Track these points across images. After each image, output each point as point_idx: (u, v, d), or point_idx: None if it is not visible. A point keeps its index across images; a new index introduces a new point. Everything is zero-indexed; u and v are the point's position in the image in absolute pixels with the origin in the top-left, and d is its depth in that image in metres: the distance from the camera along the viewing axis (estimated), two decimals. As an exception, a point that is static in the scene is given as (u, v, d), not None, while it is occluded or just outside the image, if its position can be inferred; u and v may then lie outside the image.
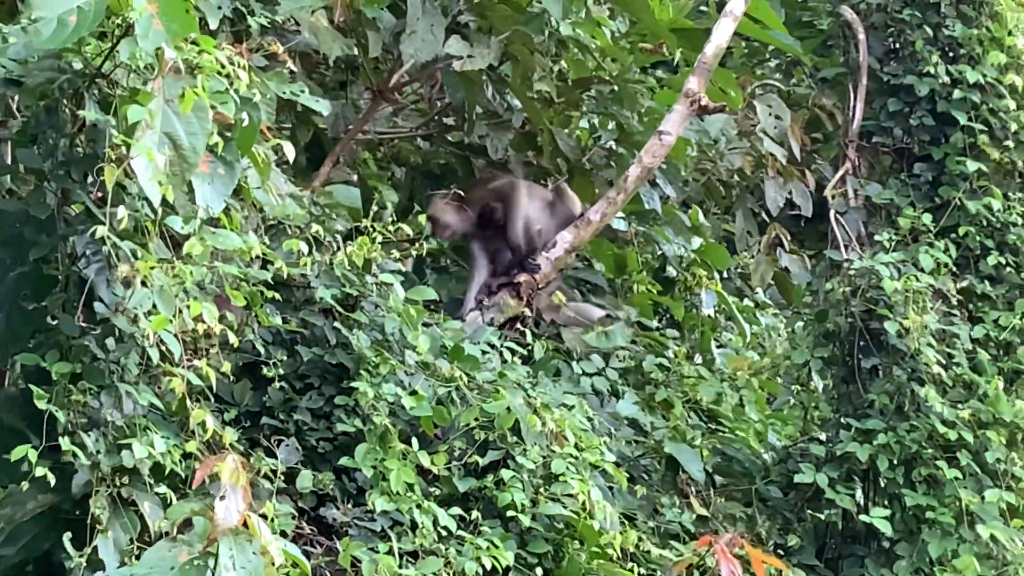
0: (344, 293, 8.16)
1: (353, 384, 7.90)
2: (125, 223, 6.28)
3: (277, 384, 7.85)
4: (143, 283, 6.33)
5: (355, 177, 11.80)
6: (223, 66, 6.60)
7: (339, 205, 9.51)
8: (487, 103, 11.03)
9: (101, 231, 6.28)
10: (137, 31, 6.25)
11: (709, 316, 12.74)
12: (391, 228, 8.39)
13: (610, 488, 8.56)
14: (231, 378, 7.59)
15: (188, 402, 6.52)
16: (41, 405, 6.41)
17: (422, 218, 10.09)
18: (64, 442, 6.39)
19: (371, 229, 8.28)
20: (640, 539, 8.34)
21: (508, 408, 8.06)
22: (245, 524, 6.30)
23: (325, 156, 10.66)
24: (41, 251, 6.76)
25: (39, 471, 6.34)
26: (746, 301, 14.06)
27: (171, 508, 6.46)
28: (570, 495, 8.03)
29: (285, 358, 7.95)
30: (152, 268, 6.31)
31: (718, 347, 13.10)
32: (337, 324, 8.08)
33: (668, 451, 9.57)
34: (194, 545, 6.33)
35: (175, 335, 6.46)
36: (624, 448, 9.52)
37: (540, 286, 10.19)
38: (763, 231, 12.95)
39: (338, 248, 8.32)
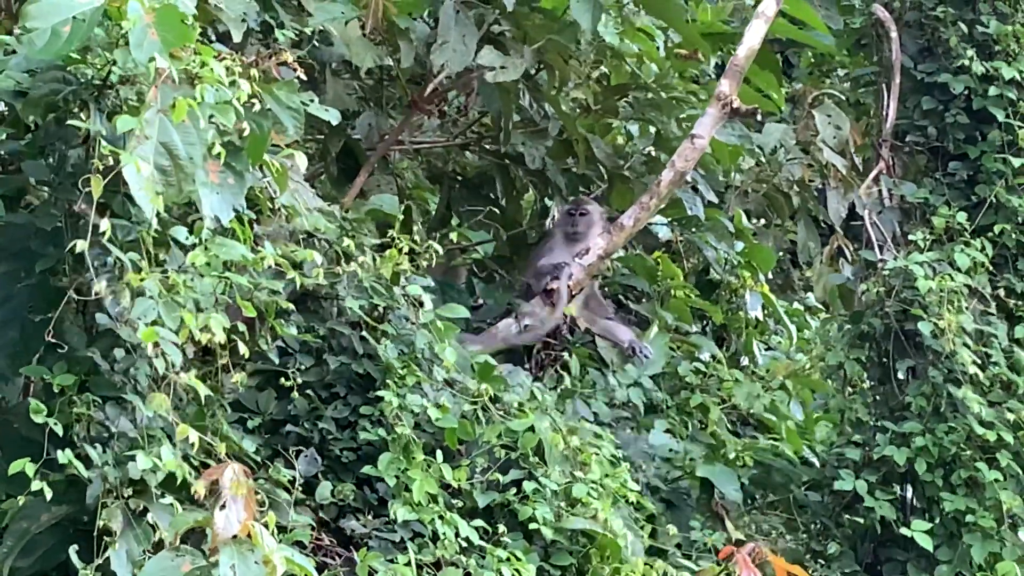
0: (372, 305, 7.97)
1: (379, 393, 7.73)
2: (109, 234, 6.07)
3: (296, 393, 7.68)
4: (140, 294, 6.11)
5: (394, 186, 11.57)
6: (225, 75, 6.38)
7: (367, 220, 9.26)
8: (524, 111, 10.81)
9: (81, 245, 6.09)
10: (131, 40, 6.07)
11: (757, 319, 12.44)
12: (422, 239, 8.20)
13: (636, 521, 8.28)
14: (252, 387, 7.50)
15: (173, 416, 6.29)
16: (38, 419, 6.23)
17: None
18: (63, 455, 6.20)
19: (400, 241, 8.08)
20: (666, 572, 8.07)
21: (532, 428, 7.89)
22: (249, 534, 6.09)
23: (359, 167, 10.44)
24: (48, 263, 6.60)
25: (35, 485, 6.16)
26: (795, 304, 13.77)
27: (175, 518, 6.25)
28: (593, 517, 7.80)
29: (311, 366, 7.81)
30: (143, 279, 6.08)
31: (766, 350, 12.81)
32: (364, 334, 7.90)
33: (701, 475, 9.30)
34: (198, 555, 6.14)
35: (179, 345, 6.25)
36: (658, 474, 9.28)
37: (573, 293, 9.92)
38: (827, 242, 12.62)
39: (367, 260, 8.12)
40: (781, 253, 12.93)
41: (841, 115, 11.92)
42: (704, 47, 10.86)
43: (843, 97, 12.52)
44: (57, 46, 6.16)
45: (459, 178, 11.61)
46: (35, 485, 6.16)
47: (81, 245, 6.08)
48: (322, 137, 10.37)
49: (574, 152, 10.98)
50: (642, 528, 8.23)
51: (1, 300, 6.76)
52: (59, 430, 6.25)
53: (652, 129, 11.34)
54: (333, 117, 7.76)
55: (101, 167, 6.03)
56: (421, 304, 8.05)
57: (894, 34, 10.09)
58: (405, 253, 8.08)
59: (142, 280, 6.10)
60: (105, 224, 6.04)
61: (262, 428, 7.68)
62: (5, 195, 6.93)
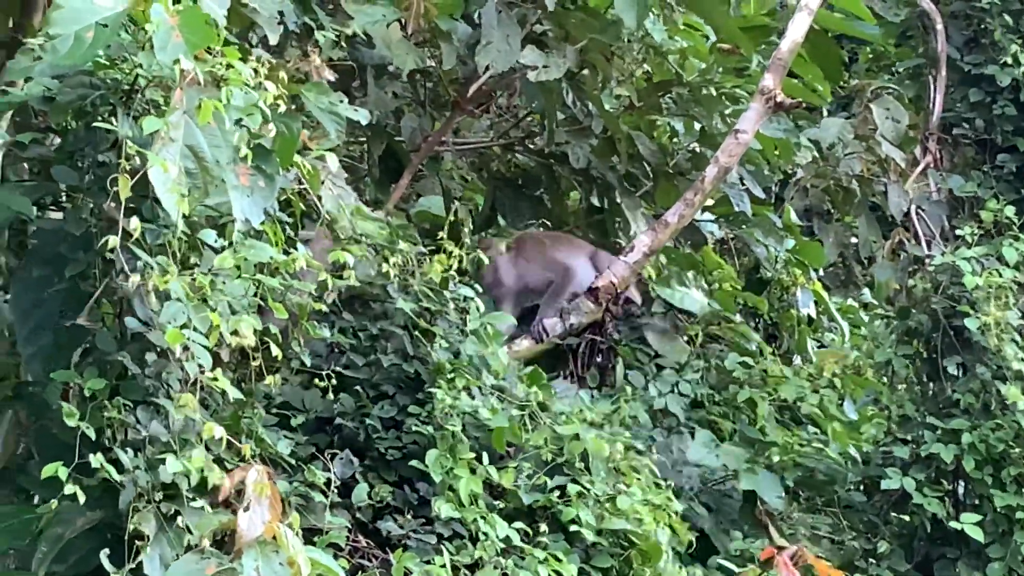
0: (422, 308, 7.93)
1: (430, 390, 7.68)
2: (136, 236, 5.99)
3: (341, 393, 7.63)
4: (168, 297, 6.02)
5: (441, 188, 11.48)
6: (250, 77, 6.29)
7: (410, 226, 9.16)
8: (567, 110, 10.66)
9: (113, 242, 6.01)
10: (156, 43, 5.98)
11: (810, 317, 12.25)
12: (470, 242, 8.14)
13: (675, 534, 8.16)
14: (298, 386, 7.45)
15: (203, 415, 6.18)
16: (71, 423, 6.14)
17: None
18: (95, 459, 6.11)
19: (447, 245, 8.01)
20: None
21: (577, 436, 7.82)
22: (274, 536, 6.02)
23: (403, 169, 10.33)
24: (78, 268, 6.52)
25: (68, 489, 6.07)
26: (850, 301, 13.58)
27: (200, 520, 6.15)
28: (638, 518, 7.68)
29: (361, 365, 7.79)
30: (168, 282, 5.98)
31: (819, 347, 12.62)
32: (416, 333, 7.85)
33: (744, 486, 9.13)
34: (224, 558, 6.06)
35: (209, 348, 6.15)
36: (701, 477, 9.15)
37: (619, 290, 9.77)
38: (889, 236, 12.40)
39: (414, 265, 8.03)
40: (843, 249, 12.68)
41: (900, 109, 11.70)
42: (744, 42, 10.66)
43: (901, 91, 12.33)
44: (81, 52, 6.09)
45: (505, 178, 11.46)
46: (68, 489, 6.07)
47: (112, 242, 6.01)
48: (364, 140, 10.27)
49: (619, 150, 10.83)
50: (679, 541, 8.09)
51: (33, 305, 6.69)
52: (91, 434, 6.16)
53: (697, 125, 11.17)
54: (362, 117, 7.68)
55: (128, 168, 5.94)
56: (468, 310, 8.00)
57: (940, 26, 9.90)
58: (454, 257, 8.01)
59: (167, 283, 5.99)
60: (134, 224, 5.95)
61: (307, 426, 7.62)
62: (36, 201, 6.86)
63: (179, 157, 6.02)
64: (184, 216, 6.04)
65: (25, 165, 7.76)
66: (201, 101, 5.97)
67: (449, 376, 7.75)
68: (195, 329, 6.07)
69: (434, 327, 7.91)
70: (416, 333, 7.86)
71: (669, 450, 9.41)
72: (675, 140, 11.38)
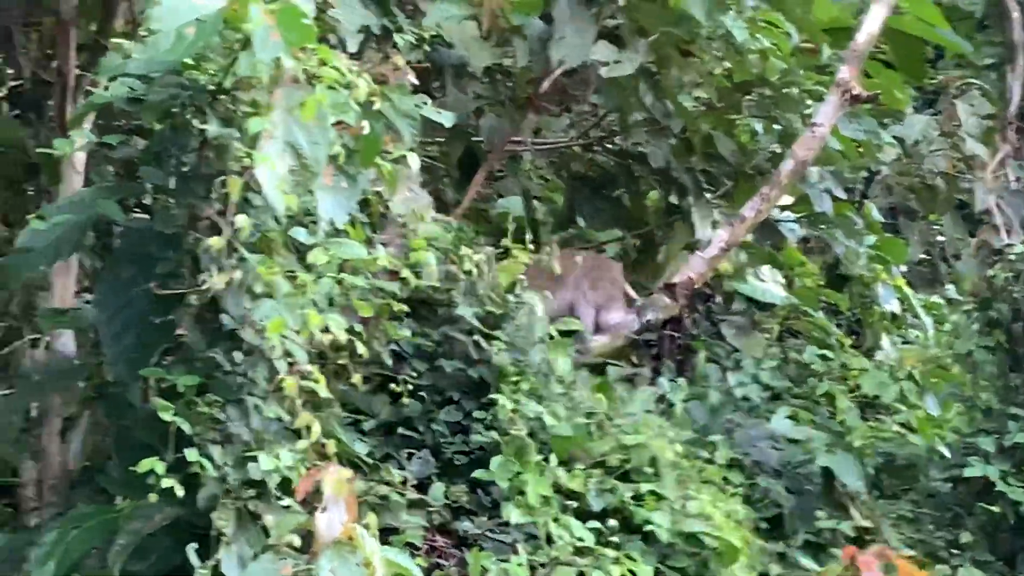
0: (486, 312, 7.93)
1: (493, 396, 7.69)
2: (246, 232, 6.06)
3: (407, 398, 7.69)
4: (256, 295, 6.07)
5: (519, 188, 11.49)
6: (342, 75, 6.34)
7: (481, 229, 9.19)
8: (646, 110, 10.64)
9: (219, 241, 6.08)
10: (255, 42, 6.03)
11: (893, 314, 12.17)
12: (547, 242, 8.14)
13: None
14: (366, 391, 7.46)
15: (300, 408, 6.22)
16: (166, 417, 6.19)
17: None
18: (191, 453, 6.18)
19: (515, 252, 8.02)
20: None
21: (645, 445, 7.84)
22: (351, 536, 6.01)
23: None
24: (167, 267, 6.57)
25: (166, 483, 6.12)
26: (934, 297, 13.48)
27: (279, 521, 6.18)
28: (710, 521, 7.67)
29: (425, 371, 7.80)
30: (274, 276, 6.04)
31: (903, 343, 12.54)
32: (479, 338, 7.87)
33: (823, 464, 9.07)
34: (301, 558, 6.07)
35: (301, 346, 6.21)
36: (782, 459, 9.09)
37: (696, 285, 9.75)
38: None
39: (480, 269, 8.05)
40: (928, 246, 12.59)
41: (984, 104, 11.61)
42: (825, 40, 10.60)
43: (986, 86, 12.21)
44: (182, 48, 6.16)
45: (584, 178, 11.46)
46: (165, 483, 6.14)
47: (217, 243, 6.07)
48: (443, 140, 10.30)
49: (696, 150, 10.80)
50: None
51: (120, 306, 6.75)
52: (187, 428, 6.23)
53: (777, 126, 11.11)
54: (447, 120, 7.68)
55: (237, 168, 6.04)
56: (535, 316, 7.98)
57: (1016, 14, 9.80)
58: (522, 263, 8.02)
59: (268, 280, 6.04)
60: (242, 221, 6.01)
61: (375, 431, 7.66)
62: (120, 202, 6.94)
63: (281, 155, 6.08)
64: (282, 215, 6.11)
65: (110, 168, 7.86)
66: (305, 99, 6.02)
67: (513, 381, 7.77)
68: (288, 327, 6.12)
69: (498, 332, 7.92)
70: (479, 338, 7.87)
71: (749, 430, 9.35)
72: (755, 140, 11.33)
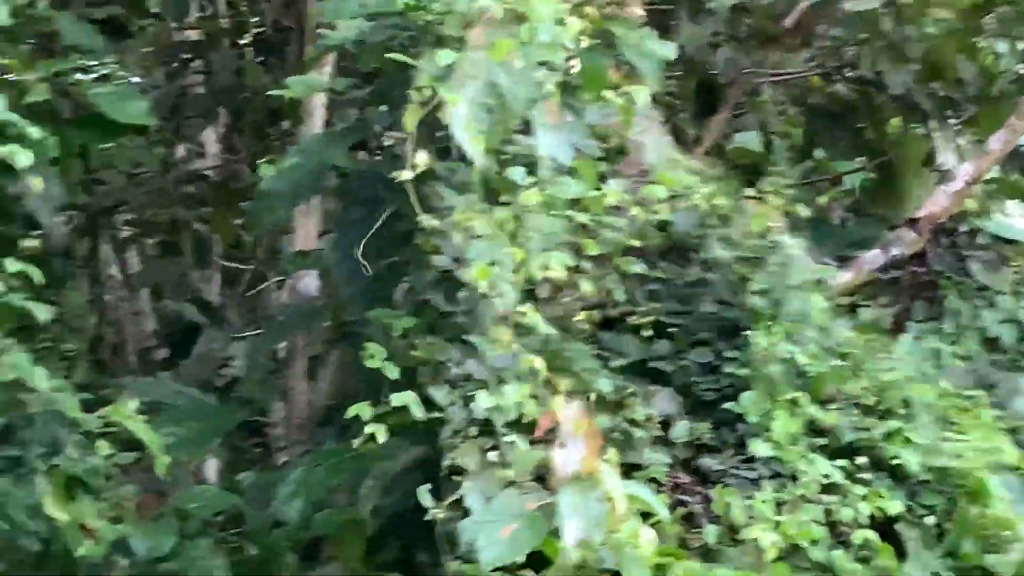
0: (739, 257, 7.76)
1: (747, 334, 7.48)
2: (421, 167, 5.99)
3: (656, 338, 7.50)
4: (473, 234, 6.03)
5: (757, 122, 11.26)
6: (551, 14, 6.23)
7: (722, 178, 9.01)
8: (887, 36, 10.32)
9: (405, 175, 6.01)
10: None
11: None
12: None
13: None
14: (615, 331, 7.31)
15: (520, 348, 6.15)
16: (373, 364, 6.24)
17: None
18: (397, 398, 6.21)
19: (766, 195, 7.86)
20: None
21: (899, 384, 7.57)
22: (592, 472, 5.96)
23: (718, 104, 10.17)
24: (391, 207, 6.60)
25: (369, 428, 6.18)
26: None
27: (519, 456, 6.15)
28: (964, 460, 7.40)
29: (677, 311, 7.63)
30: (470, 219, 5.98)
31: None
32: (734, 279, 7.70)
33: None
34: (544, 493, 6.07)
35: (515, 285, 6.15)
36: None
37: (940, 219, 9.43)
38: None
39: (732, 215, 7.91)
40: None
41: None
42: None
43: None
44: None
45: (823, 109, 11.18)
46: (368, 428, 6.21)
47: (404, 176, 6.01)
48: (679, 75, 10.14)
49: (939, 75, 10.44)
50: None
51: (352, 246, 6.82)
52: (394, 373, 6.30)
53: (1021, 45, 10.66)
54: (669, 51, 7.50)
55: (420, 99, 5.94)
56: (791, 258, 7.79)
57: None
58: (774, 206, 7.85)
59: (470, 221, 5.99)
60: (421, 159, 5.93)
61: (624, 370, 7.45)
62: (354, 145, 6.98)
63: (479, 95, 5.99)
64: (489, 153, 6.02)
65: (350, 112, 7.91)
66: (502, 39, 5.93)
67: (767, 324, 7.57)
68: (500, 267, 6.06)
69: (753, 277, 7.71)
70: (734, 279, 7.70)
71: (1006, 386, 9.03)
72: (998, 62, 10.89)
